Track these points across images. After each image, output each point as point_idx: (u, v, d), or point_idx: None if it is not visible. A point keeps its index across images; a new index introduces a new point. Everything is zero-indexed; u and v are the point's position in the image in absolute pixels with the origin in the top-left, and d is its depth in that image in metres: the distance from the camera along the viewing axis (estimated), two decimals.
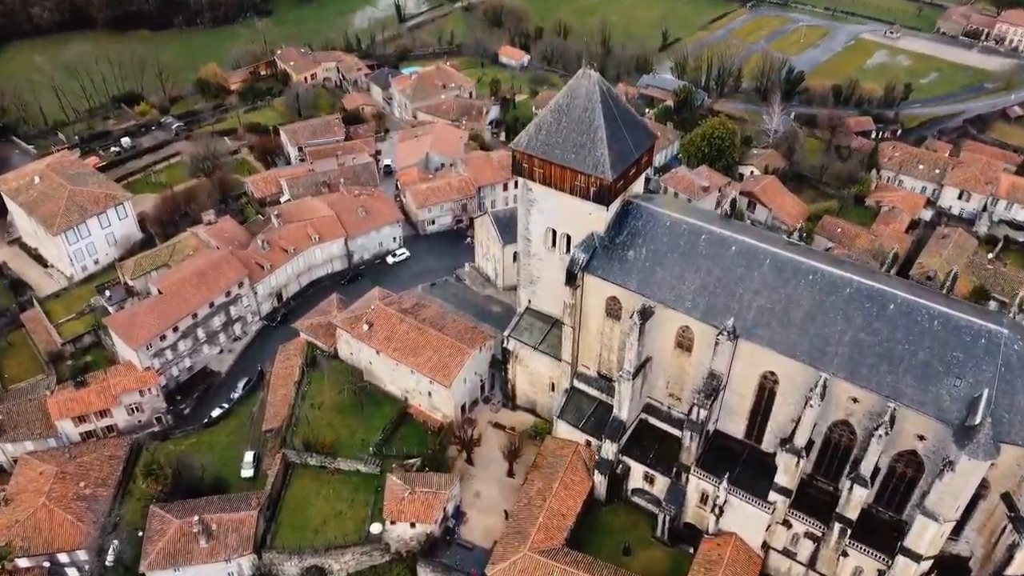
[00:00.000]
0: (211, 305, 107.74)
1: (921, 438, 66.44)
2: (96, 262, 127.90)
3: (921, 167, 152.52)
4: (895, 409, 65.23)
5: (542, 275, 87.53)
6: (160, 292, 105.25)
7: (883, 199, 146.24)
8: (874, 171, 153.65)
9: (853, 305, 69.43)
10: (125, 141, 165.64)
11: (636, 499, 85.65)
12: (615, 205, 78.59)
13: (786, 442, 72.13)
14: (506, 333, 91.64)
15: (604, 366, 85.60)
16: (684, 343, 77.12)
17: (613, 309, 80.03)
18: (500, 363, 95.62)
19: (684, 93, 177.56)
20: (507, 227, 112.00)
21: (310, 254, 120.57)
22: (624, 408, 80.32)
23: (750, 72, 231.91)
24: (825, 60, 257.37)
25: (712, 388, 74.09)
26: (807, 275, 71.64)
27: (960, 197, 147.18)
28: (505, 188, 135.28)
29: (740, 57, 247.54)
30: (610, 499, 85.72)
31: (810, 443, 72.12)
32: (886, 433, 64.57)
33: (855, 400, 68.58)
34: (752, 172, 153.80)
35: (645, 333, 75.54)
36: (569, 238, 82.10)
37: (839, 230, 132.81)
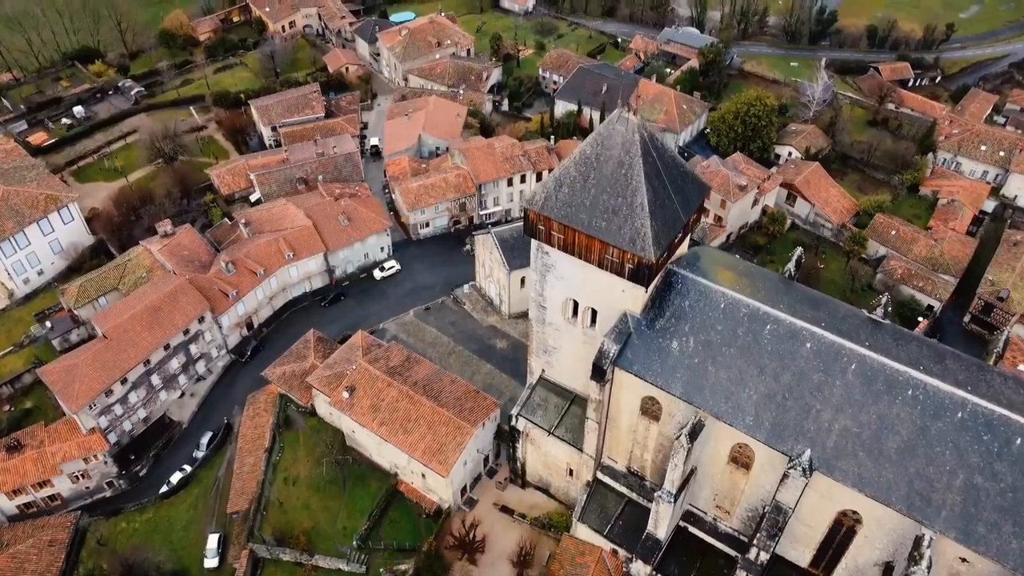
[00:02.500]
0: (167, 347, 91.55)
1: None
2: (40, 273, 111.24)
3: (983, 148, 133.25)
4: None
5: (559, 346, 71.19)
6: (104, 336, 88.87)
7: (940, 188, 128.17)
8: (930, 154, 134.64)
9: (967, 436, 53.68)
10: (78, 110, 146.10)
11: None
12: (656, 280, 61.84)
13: None
14: (515, 411, 75.76)
15: (636, 463, 70.28)
16: (740, 459, 61.66)
17: (651, 409, 64.18)
18: (507, 433, 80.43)
19: (711, 53, 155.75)
20: (513, 249, 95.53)
21: (284, 273, 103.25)
22: (661, 528, 65.48)
23: (777, 9, 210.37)
24: None
25: (777, 526, 59.03)
26: (905, 389, 55.55)
27: None
28: (510, 184, 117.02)
29: None
30: None
31: None
32: None
33: (964, 560, 53.80)
34: (790, 153, 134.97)
35: (693, 451, 60.18)
36: (595, 312, 65.61)
37: (893, 232, 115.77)
